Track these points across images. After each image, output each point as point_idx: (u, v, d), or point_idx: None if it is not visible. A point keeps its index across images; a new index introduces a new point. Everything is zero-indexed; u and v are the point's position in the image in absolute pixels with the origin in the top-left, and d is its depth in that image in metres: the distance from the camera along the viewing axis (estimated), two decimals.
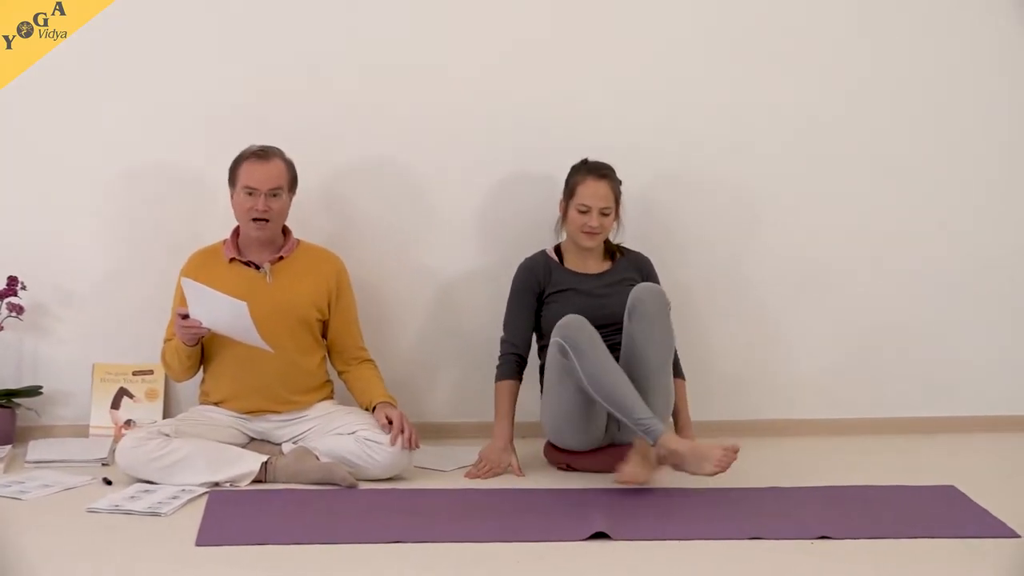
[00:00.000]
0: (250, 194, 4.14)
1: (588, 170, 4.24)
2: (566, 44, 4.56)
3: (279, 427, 4.25)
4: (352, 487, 4.00)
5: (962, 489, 3.97)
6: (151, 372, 4.54)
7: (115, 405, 4.54)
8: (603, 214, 4.21)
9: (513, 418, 4.23)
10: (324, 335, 4.33)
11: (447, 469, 4.23)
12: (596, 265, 4.32)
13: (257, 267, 4.23)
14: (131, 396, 4.55)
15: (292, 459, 4.09)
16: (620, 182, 4.27)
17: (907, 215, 4.68)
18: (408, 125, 4.55)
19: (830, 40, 4.61)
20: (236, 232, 4.28)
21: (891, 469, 4.12)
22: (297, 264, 4.27)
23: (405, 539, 3.51)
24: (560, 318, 4.04)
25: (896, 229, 4.68)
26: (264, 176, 4.14)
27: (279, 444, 4.25)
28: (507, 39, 4.55)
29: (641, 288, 4.09)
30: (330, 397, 4.34)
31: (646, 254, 4.41)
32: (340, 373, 4.35)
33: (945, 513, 3.77)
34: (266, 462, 4.06)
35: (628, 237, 4.42)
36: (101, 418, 4.53)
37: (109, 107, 4.48)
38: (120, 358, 4.56)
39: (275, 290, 4.21)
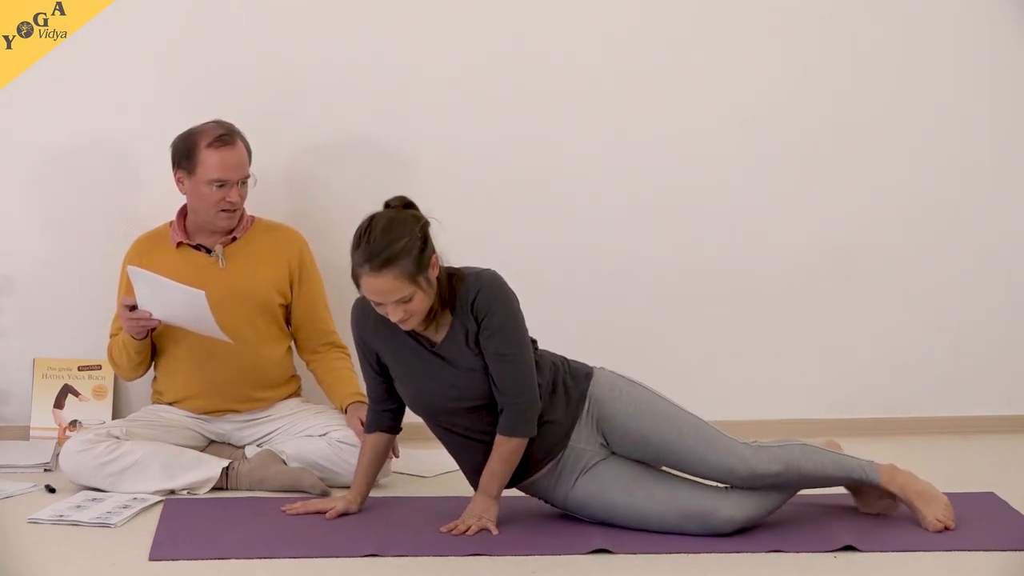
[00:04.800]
0: (221, 186, 3.99)
1: (362, 260, 3.37)
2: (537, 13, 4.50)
3: (241, 428, 4.15)
4: (323, 495, 3.90)
5: (1003, 496, 3.91)
6: (99, 367, 4.44)
7: (59, 404, 4.46)
8: (402, 301, 3.42)
9: (371, 477, 3.73)
10: (288, 321, 4.20)
11: (428, 475, 4.15)
12: (438, 327, 3.54)
13: (208, 251, 4.09)
14: (76, 394, 4.46)
15: (256, 464, 3.99)
16: (419, 251, 3.37)
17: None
18: (383, 98, 4.47)
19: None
20: (183, 213, 4.13)
21: (924, 474, 4.04)
22: (253, 244, 4.14)
23: (382, 552, 3.43)
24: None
25: (954, 220, 4.66)
26: (235, 164, 4.00)
27: (242, 447, 4.15)
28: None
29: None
30: (297, 394, 4.24)
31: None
32: (308, 363, 4.24)
33: (984, 523, 3.70)
34: (227, 467, 3.98)
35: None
36: (43, 418, 4.46)
37: (35, 78, 4.38)
38: (64, 352, 4.47)
39: (230, 276, 4.08)
